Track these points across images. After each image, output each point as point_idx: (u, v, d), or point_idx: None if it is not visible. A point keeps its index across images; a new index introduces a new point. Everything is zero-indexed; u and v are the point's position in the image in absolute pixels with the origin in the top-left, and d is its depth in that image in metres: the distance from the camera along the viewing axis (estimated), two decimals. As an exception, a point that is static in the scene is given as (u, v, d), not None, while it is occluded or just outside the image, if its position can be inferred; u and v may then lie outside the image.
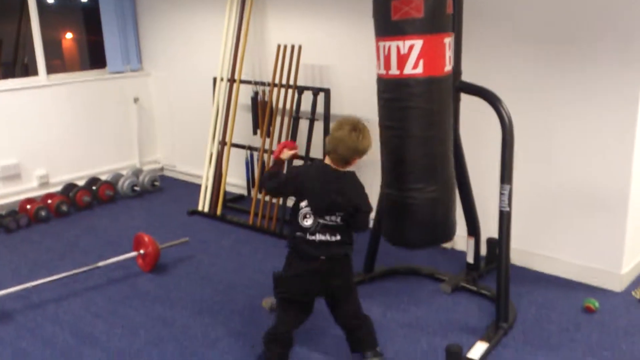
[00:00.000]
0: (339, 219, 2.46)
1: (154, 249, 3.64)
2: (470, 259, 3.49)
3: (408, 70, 2.61)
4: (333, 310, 2.65)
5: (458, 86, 2.97)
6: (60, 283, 3.49)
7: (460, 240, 3.80)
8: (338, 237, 2.47)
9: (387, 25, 2.61)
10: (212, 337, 2.96)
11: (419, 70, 2.58)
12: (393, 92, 2.71)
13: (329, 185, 2.44)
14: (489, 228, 3.39)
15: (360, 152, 2.44)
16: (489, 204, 3.39)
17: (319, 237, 2.46)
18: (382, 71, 2.69)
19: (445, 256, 3.83)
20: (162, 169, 5.72)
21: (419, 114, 2.66)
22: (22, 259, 3.93)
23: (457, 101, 3.02)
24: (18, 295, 3.35)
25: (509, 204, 2.88)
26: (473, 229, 3.42)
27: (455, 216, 2.99)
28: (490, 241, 3.52)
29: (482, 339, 2.84)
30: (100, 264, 3.56)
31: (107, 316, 3.19)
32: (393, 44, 2.58)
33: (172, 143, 5.56)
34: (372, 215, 2.65)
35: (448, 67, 2.69)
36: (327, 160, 2.49)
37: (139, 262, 3.72)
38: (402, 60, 2.60)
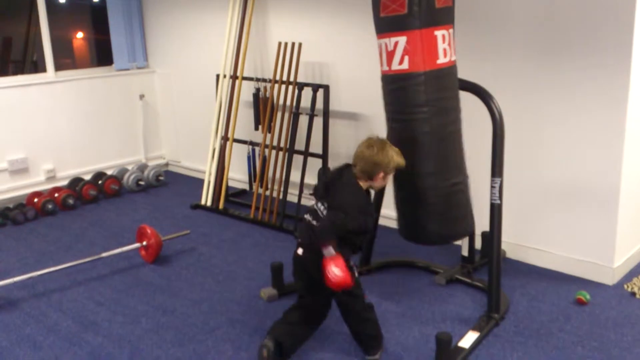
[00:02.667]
0: (323, 209, 2.56)
1: (157, 241, 3.73)
2: (465, 252, 3.55)
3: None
4: None
5: (451, 82, 3.04)
6: (65, 273, 3.60)
7: (456, 234, 3.86)
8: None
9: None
10: (211, 325, 3.05)
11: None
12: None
13: (330, 176, 2.64)
14: (484, 222, 3.45)
15: (378, 164, 2.54)
16: (483, 199, 3.45)
17: (307, 216, 2.62)
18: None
19: (440, 250, 3.89)
20: (166, 164, 5.82)
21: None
22: (29, 250, 4.04)
23: (450, 97, 3.09)
24: (24, 284, 3.45)
25: (500, 197, 2.94)
26: (468, 222, 3.49)
27: None
28: (485, 235, 3.58)
29: (474, 328, 2.91)
30: (104, 254, 3.66)
31: (109, 305, 3.29)
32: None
33: (177, 139, 5.66)
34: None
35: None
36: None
37: (142, 253, 3.82)
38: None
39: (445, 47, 2.67)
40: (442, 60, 2.70)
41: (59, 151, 5.05)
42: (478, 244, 3.62)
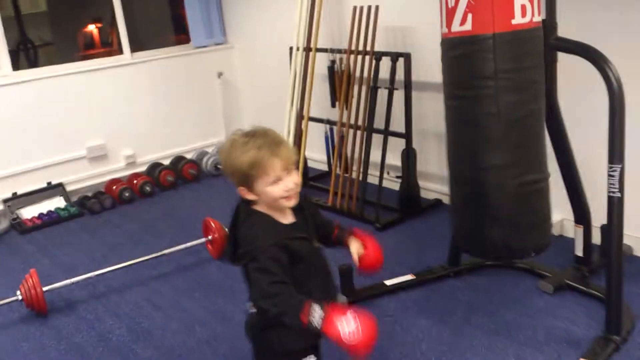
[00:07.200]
0: None
1: (221, 235, 3.41)
2: (578, 251, 2.90)
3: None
4: None
5: (553, 43, 2.38)
6: (129, 270, 3.38)
7: (569, 225, 3.19)
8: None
9: None
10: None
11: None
12: None
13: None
14: (604, 213, 2.78)
15: (227, 175, 1.70)
16: (601, 186, 2.77)
17: None
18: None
19: (550, 246, 3.24)
20: (249, 145, 5.52)
21: None
22: (100, 242, 3.89)
23: (553, 62, 2.44)
24: (87, 283, 3.27)
25: (621, 188, 2.28)
26: (581, 216, 2.83)
27: None
28: (604, 229, 2.90)
29: (586, 355, 2.30)
30: (166, 251, 3.40)
31: (166, 309, 3.02)
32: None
33: (259, 118, 5.29)
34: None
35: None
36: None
37: (209, 247, 3.53)
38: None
39: (525, 2, 2.05)
40: (519, 20, 2.09)
41: (138, 136, 4.89)
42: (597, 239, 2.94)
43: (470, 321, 2.66)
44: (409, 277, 2.96)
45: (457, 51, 2.24)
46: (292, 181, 1.63)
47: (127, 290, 3.24)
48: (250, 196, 1.66)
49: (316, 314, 1.47)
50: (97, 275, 3.22)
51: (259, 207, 1.69)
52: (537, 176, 2.37)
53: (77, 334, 2.87)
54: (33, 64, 6.17)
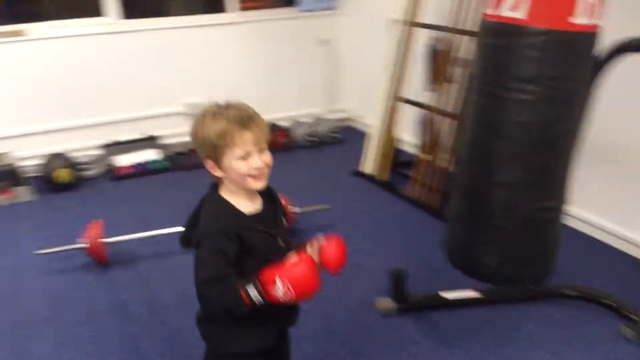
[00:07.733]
0: None
1: (287, 214, 3.28)
2: (681, 296, 2.42)
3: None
4: None
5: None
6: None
7: (679, 264, 2.69)
8: None
9: None
10: (301, 331, 2.50)
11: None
12: None
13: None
14: None
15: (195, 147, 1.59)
16: None
17: None
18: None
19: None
20: (348, 119, 5.30)
21: None
22: (180, 200, 3.68)
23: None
24: (152, 241, 3.26)
25: None
26: (691, 256, 2.34)
27: None
28: None
29: None
30: (230, 221, 3.33)
31: (215, 280, 2.96)
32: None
33: (362, 91, 5.07)
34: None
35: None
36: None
37: (274, 223, 3.42)
38: None
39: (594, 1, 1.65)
40: (581, 19, 1.70)
41: (236, 97, 4.81)
42: None
43: (527, 356, 2.31)
44: (472, 293, 2.64)
45: (499, 40, 1.88)
46: (263, 159, 1.50)
47: (188, 255, 3.21)
48: (217, 172, 1.54)
49: (252, 293, 1.42)
50: (163, 234, 3.23)
51: (224, 193, 1.57)
52: (556, 204, 2.00)
53: (126, 291, 2.89)
54: (165, 13, 6.25)
